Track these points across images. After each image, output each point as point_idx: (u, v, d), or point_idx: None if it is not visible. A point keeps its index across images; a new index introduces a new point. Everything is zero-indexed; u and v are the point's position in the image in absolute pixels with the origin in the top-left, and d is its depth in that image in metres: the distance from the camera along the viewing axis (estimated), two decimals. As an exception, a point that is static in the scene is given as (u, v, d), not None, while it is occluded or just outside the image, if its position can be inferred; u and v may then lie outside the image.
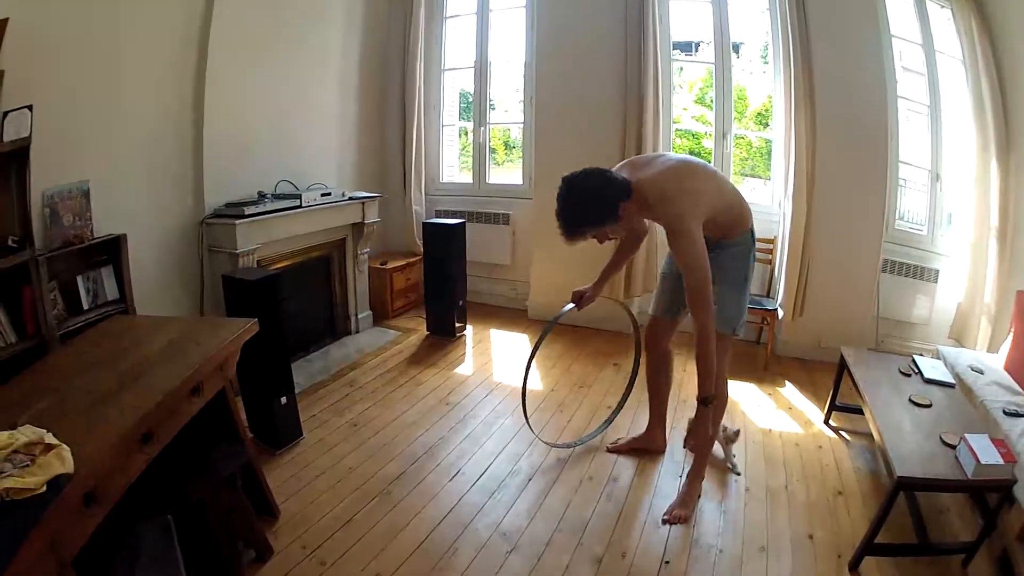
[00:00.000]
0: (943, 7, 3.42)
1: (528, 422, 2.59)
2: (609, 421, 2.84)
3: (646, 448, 2.66)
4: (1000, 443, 1.92)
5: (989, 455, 1.84)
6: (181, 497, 1.74)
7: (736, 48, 4.54)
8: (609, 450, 2.68)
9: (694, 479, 2.30)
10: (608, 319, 3.94)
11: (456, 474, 2.49)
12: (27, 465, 1.14)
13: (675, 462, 2.59)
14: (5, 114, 2.18)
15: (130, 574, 1.50)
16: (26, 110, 2.21)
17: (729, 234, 2.18)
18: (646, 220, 2.37)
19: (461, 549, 2.04)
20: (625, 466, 2.55)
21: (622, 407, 2.90)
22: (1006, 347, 2.76)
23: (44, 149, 2.34)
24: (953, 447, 1.97)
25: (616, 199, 1.98)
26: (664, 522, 2.19)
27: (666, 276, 2.45)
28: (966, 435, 1.94)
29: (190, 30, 3.01)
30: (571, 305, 2.53)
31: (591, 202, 1.97)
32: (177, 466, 1.77)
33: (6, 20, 2.16)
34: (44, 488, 1.12)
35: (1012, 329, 2.75)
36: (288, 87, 3.63)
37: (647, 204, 2.04)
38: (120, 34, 2.70)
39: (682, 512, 2.21)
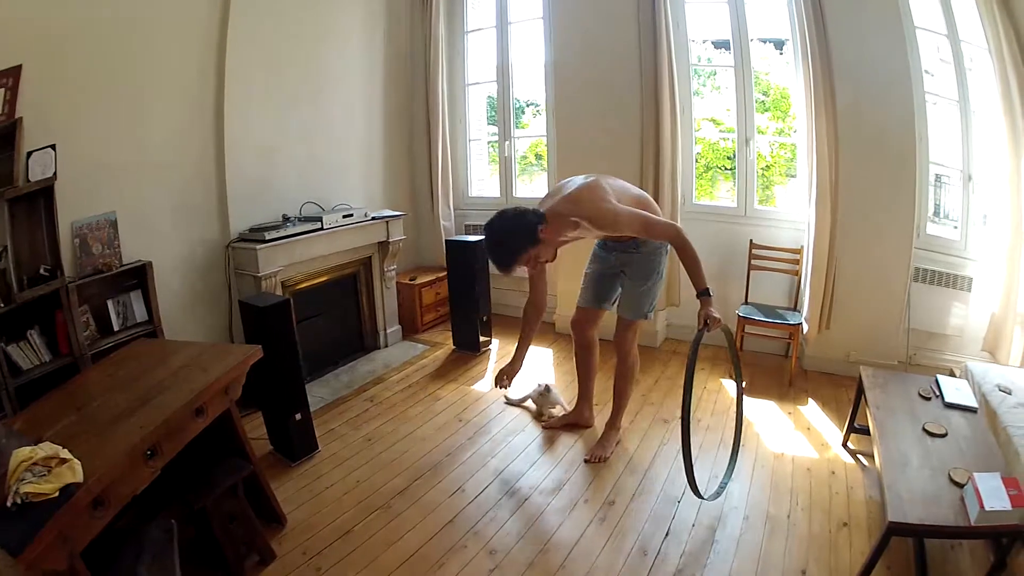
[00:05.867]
0: (963, -10, 3.11)
1: None
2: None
3: (576, 423, 3.05)
4: (1013, 483, 1.73)
5: (996, 499, 1.67)
6: (184, 504, 1.93)
7: (780, 45, 4.31)
8: (544, 427, 3.07)
9: (610, 427, 2.86)
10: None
11: (456, 491, 2.56)
12: (44, 475, 1.39)
13: (670, 489, 2.54)
14: (29, 154, 2.36)
15: (133, 567, 1.69)
16: (49, 149, 2.39)
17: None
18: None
19: (447, 564, 2.11)
20: (623, 490, 2.54)
21: None
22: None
23: (72, 183, 2.53)
24: (962, 486, 1.82)
25: (534, 223, 2.27)
26: (585, 461, 2.73)
27: (590, 275, 2.84)
28: (974, 474, 1.78)
29: (206, 57, 3.13)
30: (502, 389, 3.01)
31: (513, 232, 2.28)
32: (185, 477, 1.96)
33: (19, 67, 2.26)
34: (58, 493, 1.37)
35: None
36: (310, 109, 3.75)
37: (567, 221, 2.32)
38: (139, 67, 2.85)
39: (600, 452, 2.76)
